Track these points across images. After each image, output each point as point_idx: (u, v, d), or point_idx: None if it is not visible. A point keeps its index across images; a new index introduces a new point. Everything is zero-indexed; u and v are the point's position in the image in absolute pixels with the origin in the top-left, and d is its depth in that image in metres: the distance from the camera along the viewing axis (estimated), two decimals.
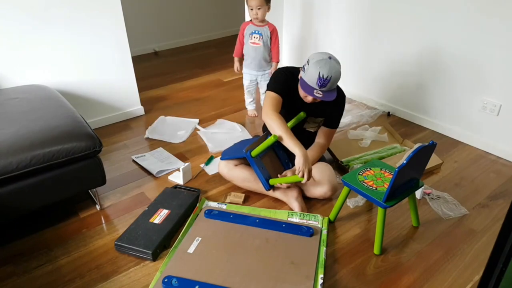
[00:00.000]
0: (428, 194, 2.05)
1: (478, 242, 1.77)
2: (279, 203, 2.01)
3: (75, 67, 2.53)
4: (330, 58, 1.76)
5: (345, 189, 1.77)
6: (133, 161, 2.37)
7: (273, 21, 2.73)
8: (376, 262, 1.66)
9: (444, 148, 2.51)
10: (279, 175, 1.91)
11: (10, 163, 1.58)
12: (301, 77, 1.84)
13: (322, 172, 2.01)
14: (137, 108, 2.94)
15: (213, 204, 1.98)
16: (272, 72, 2.16)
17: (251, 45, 2.68)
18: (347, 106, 2.75)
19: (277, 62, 2.78)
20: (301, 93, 1.89)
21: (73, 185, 1.81)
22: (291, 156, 1.91)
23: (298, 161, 1.77)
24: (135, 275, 1.60)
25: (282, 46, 3.59)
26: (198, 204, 1.97)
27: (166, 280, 1.50)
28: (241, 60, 2.82)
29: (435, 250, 1.73)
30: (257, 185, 2.00)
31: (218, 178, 2.19)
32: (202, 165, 2.32)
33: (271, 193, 2.00)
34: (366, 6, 2.88)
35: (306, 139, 2.12)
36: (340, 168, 2.29)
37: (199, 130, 2.73)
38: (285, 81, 1.94)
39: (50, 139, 1.69)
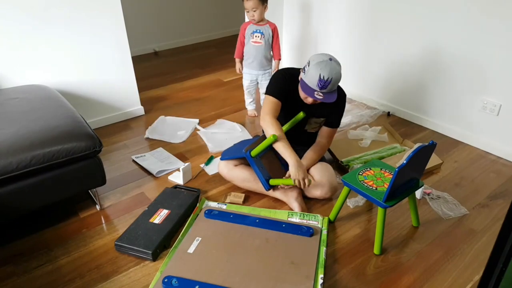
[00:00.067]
0: (428, 194, 2.05)
1: (478, 242, 1.77)
2: (279, 203, 2.01)
3: (75, 67, 2.53)
4: (330, 59, 1.75)
5: (345, 189, 1.77)
6: (133, 161, 2.38)
7: (273, 21, 2.73)
8: (376, 262, 1.66)
9: (444, 148, 2.51)
10: (283, 177, 1.91)
11: (10, 163, 1.58)
12: (301, 78, 1.84)
13: (322, 172, 2.01)
14: (137, 108, 2.94)
15: (213, 204, 1.98)
16: (275, 70, 2.16)
17: (253, 44, 2.68)
18: (347, 106, 2.75)
19: (279, 60, 2.78)
20: (302, 94, 1.89)
21: (73, 185, 1.81)
22: None
23: (291, 171, 1.80)
24: (135, 275, 1.60)
25: (282, 46, 3.58)
26: (198, 204, 1.97)
27: (166, 280, 1.50)
28: (242, 61, 2.82)
29: (435, 250, 1.73)
30: (257, 185, 2.00)
31: (218, 178, 2.19)
32: (202, 165, 2.32)
33: (271, 193, 2.00)
34: (366, 6, 2.88)
35: (306, 139, 2.12)
36: (340, 168, 2.29)
37: (199, 130, 2.73)
38: (284, 84, 1.94)
39: (50, 139, 1.69)
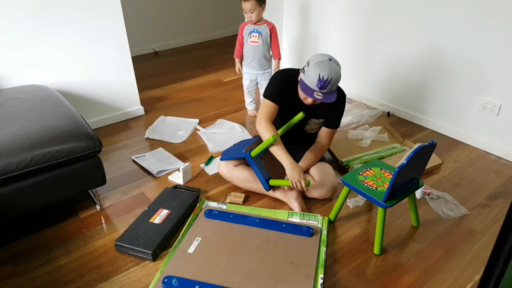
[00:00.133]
0: (428, 194, 2.05)
1: (478, 242, 1.77)
2: (279, 203, 2.01)
3: (75, 67, 2.53)
4: (330, 59, 1.75)
5: (345, 189, 1.77)
6: (133, 161, 2.37)
7: (273, 21, 2.73)
8: (376, 262, 1.66)
9: (444, 148, 2.51)
10: (285, 177, 1.91)
11: (10, 163, 1.58)
12: (300, 79, 1.84)
13: (322, 172, 2.01)
14: (137, 108, 2.94)
15: (213, 204, 1.98)
16: (275, 70, 2.16)
17: (251, 44, 2.69)
18: (347, 106, 2.75)
19: (279, 59, 2.78)
20: (301, 95, 1.89)
21: (73, 185, 1.81)
22: (292, 156, 1.90)
23: (287, 173, 1.82)
24: (135, 275, 1.60)
25: (282, 46, 3.58)
26: (198, 204, 1.97)
27: (166, 280, 1.50)
28: (242, 61, 2.82)
29: (435, 250, 1.73)
30: (257, 185, 2.00)
31: (218, 178, 2.19)
32: (202, 165, 2.32)
33: (271, 193, 2.00)
34: (366, 6, 2.88)
35: (306, 140, 2.12)
36: (340, 168, 2.29)
37: (199, 130, 2.73)
38: (282, 87, 1.95)
39: (50, 139, 1.69)
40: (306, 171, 2.07)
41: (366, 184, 1.68)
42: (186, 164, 2.18)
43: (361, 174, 1.74)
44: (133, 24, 3.87)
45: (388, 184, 1.67)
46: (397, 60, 2.81)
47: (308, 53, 3.46)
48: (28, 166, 1.62)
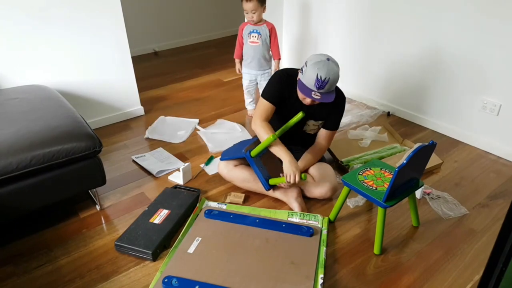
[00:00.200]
0: (428, 194, 2.05)
1: (478, 242, 1.77)
2: (279, 203, 2.01)
3: (75, 67, 2.53)
4: (328, 59, 1.75)
5: (345, 189, 1.77)
6: (133, 161, 2.37)
7: (273, 21, 2.73)
8: (376, 262, 1.66)
9: (444, 148, 2.51)
10: (281, 174, 1.91)
11: (10, 163, 1.58)
12: (299, 79, 1.84)
13: (322, 172, 2.01)
14: (137, 108, 2.94)
15: (213, 204, 1.98)
16: (275, 70, 2.16)
17: (250, 44, 2.69)
18: (347, 106, 2.75)
19: (279, 59, 2.78)
20: (300, 95, 1.89)
21: (73, 185, 1.81)
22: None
23: (284, 166, 1.83)
24: (135, 275, 1.60)
25: (282, 46, 3.59)
26: (198, 204, 1.97)
27: (166, 280, 1.50)
28: (242, 61, 2.82)
29: (435, 250, 1.73)
30: (257, 185, 2.00)
31: (218, 178, 2.19)
32: (202, 165, 2.32)
33: (271, 193, 2.00)
34: (366, 6, 2.88)
35: (305, 141, 2.12)
36: (340, 168, 2.29)
37: (199, 130, 2.73)
38: (280, 87, 1.95)
39: (50, 139, 1.69)
40: (306, 171, 2.08)
41: (366, 184, 1.68)
42: (186, 164, 2.18)
43: (361, 174, 1.74)
44: (133, 24, 3.87)
45: (388, 184, 1.67)
46: (397, 60, 2.81)
47: (308, 53, 3.46)
48: (28, 166, 1.62)
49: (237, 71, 2.85)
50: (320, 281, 1.52)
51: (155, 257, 1.66)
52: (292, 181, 1.81)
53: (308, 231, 1.75)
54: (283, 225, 1.80)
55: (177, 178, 2.17)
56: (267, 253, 1.66)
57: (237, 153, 2.02)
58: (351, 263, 1.66)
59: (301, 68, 1.83)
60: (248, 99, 2.95)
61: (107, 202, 2.02)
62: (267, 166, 1.96)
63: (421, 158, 1.60)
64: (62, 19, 2.37)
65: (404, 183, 1.63)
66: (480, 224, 1.87)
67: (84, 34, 2.48)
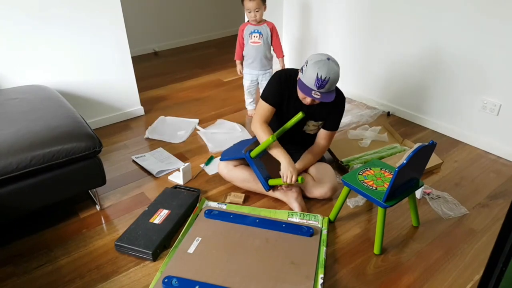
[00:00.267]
0: (428, 194, 2.05)
1: (478, 242, 1.77)
2: (279, 203, 2.01)
3: (75, 67, 2.53)
4: (328, 59, 1.75)
5: (345, 189, 1.77)
6: (133, 161, 2.37)
7: (273, 21, 2.73)
8: (376, 262, 1.66)
9: (444, 148, 2.51)
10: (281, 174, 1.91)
11: (10, 163, 1.58)
12: (299, 78, 1.84)
13: (322, 172, 2.01)
14: (137, 108, 2.94)
15: (213, 204, 1.98)
16: (281, 68, 2.16)
17: (252, 44, 2.68)
18: (347, 106, 2.75)
19: (283, 57, 2.78)
20: (300, 95, 1.89)
21: (73, 185, 1.81)
22: (291, 156, 1.90)
23: (281, 167, 1.83)
24: (135, 275, 1.60)
25: (282, 46, 3.58)
26: (198, 204, 1.97)
27: (166, 280, 1.50)
28: (242, 62, 2.82)
29: (435, 250, 1.73)
30: (256, 186, 2.00)
31: (218, 178, 2.19)
32: (202, 165, 2.32)
33: (271, 193, 2.00)
34: (366, 6, 2.88)
35: (305, 141, 2.12)
36: (340, 168, 2.29)
37: (199, 130, 2.73)
38: (279, 88, 1.95)
39: (50, 139, 1.69)
40: (306, 171, 2.08)
41: (366, 184, 1.68)
42: (186, 164, 2.18)
43: (361, 174, 1.74)
44: (133, 24, 3.87)
45: (388, 184, 1.67)
46: (397, 60, 2.81)
47: (308, 53, 3.46)
48: (28, 166, 1.62)
49: (238, 72, 2.85)
50: (320, 281, 1.52)
51: (155, 257, 1.66)
52: (288, 181, 1.81)
53: (308, 231, 1.75)
54: (283, 225, 1.80)
55: (177, 178, 2.17)
56: (267, 253, 1.66)
57: (237, 153, 2.02)
58: (351, 263, 1.66)
59: (302, 67, 1.83)
60: (248, 99, 2.95)
61: (107, 202, 2.02)
62: (267, 166, 1.96)
63: (421, 158, 1.60)
64: (62, 19, 2.37)
65: (404, 183, 1.63)
66: (480, 224, 1.87)
67: (84, 34, 2.48)
